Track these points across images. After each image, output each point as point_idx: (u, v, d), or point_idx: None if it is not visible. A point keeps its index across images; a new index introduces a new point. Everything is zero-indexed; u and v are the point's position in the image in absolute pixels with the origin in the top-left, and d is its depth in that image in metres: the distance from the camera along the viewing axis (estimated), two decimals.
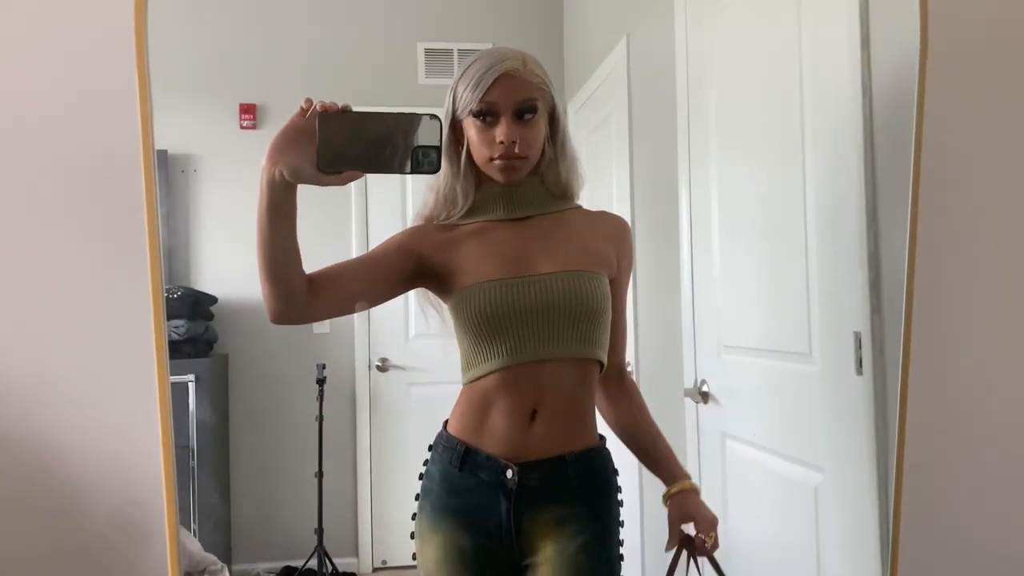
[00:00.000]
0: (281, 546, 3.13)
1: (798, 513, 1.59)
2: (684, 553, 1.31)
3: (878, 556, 1.40)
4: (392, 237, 1.29)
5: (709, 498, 1.99)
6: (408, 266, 1.26)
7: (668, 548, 1.30)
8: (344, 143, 0.99)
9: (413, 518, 1.29)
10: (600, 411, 1.35)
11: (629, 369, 1.42)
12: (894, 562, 1.37)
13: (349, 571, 3.17)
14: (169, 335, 2.99)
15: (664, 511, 1.32)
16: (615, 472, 1.30)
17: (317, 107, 0.99)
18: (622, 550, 1.26)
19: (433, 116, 1.00)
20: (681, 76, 2.08)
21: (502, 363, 1.21)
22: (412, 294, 1.37)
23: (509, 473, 1.20)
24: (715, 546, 1.29)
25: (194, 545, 2.02)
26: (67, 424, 1.23)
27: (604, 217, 1.36)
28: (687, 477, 1.32)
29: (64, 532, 1.23)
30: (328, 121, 0.98)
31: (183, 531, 2.06)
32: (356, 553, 3.26)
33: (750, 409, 1.80)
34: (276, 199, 1.04)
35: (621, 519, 1.28)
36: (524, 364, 1.21)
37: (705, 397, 2.00)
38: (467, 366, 1.26)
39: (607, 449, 1.30)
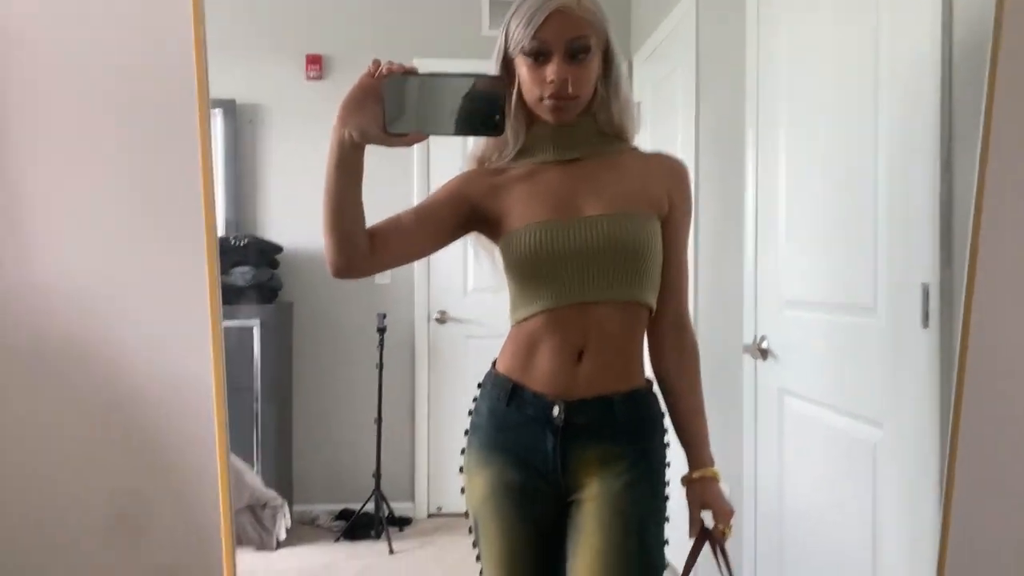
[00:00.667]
0: (340, 489, 3.23)
1: (855, 470, 1.56)
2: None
3: (937, 515, 1.37)
4: (444, 185, 1.30)
5: (765, 455, 1.98)
6: (461, 213, 1.27)
7: (691, 535, 1.30)
8: (409, 105, 1.01)
9: (462, 453, 1.32)
10: (650, 357, 1.34)
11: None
12: (945, 518, 1.34)
13: (405, 515, 3.26)
14: (235, 281, 3.09)
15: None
16: (661, 415, 1.30)
17: (383, 69, 1.00)
18: (668, 490, 1.26)
19: (498, 78, 0.99)
20: (751, 21, 2.02)
21: (547, 305, 1.22)
22: (471, 248, 1.39)
23: (555, 410, 1.21)
24: (728, 536, 1.29)
25: (255, 481, 2.10)
26: (130, 336, 1.28)
27: (658, 158, 1.33)
28: (712, 463, 1.31)
29: (123, 428, 1.29)
30: (393, 84, 1.00)
31: (245, 467, 2.15)
32: (412, 499, 3.34)
33: (810, 365, 1.77)
34: (345, 158, 1.07)
35: (668, 460, 1.27)
36: (569, 306, 1.21)
37: (764, 354, 1.97)
38: (515, 307, 1.27)
39: (654, 393, 1.30)
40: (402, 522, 3.23)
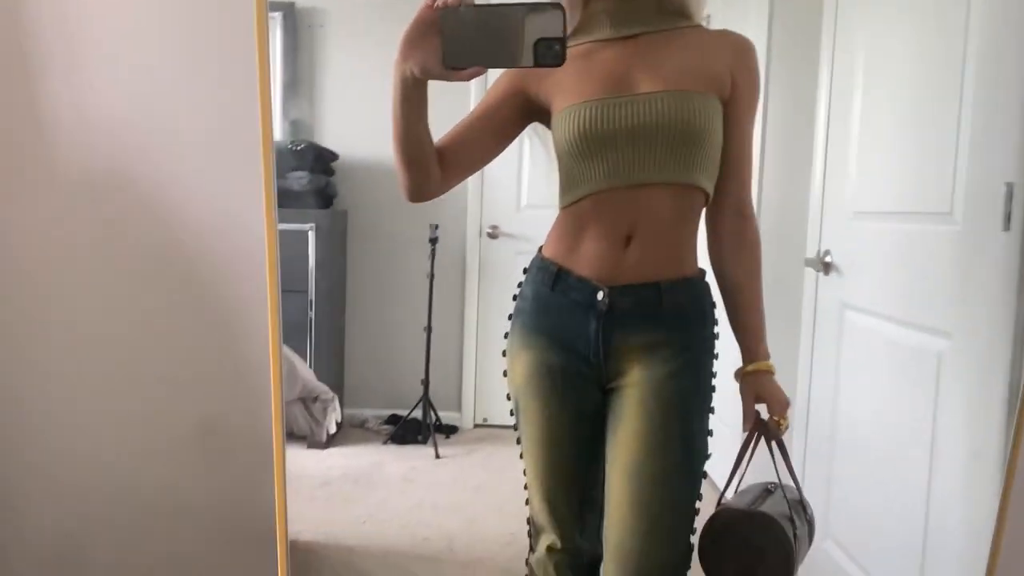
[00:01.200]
0: (389, 395, 3.28)
1: (917, 384, 1.51)
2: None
3: (1002, 433, 1.32)
4: (497, 81, 1.26)
5: (822, 371, 1.94)
6: (518, 105, 1.23)
7: (744, 429, 1.27)
8: (467, 38, 0.97)
9: (505, 336, 1.31)
10: (708, 246, 1.29)
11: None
12: (1017, 436, 1.29)
13: (452, 424, 3.31)
14: (290, 185, 3.10)
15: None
16: (712, 305, 1.26)
17: (439, 2, 0.96)
18: (715, 382, 1.23)
19: (556, 5, 0.94)
20: None
21: (596, 186, 1.18)
22: (526, 163, 1.35)
23: (600, 295, 1.18)
24: (785, 428, 1.26)
25: (308, 374, 2.14)
26: (186, 183, 1.28)
27: (722, 35, 1.26)
28: (767, 357, 1.27)
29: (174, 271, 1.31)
30: (450, 16, 0.96)
31: (298, 360, 2.19)
32: (459, 408, 3.39)
33: (875, 278, 1.70)
34: (408, 94, 1.06)
35: (716, 352, 1.24)
36: (619, 188, 1.17)
37: (827, 267, 1.90)
38: (563, 191, 1.23)
39: (706, 282, 1.25)
40: (449, 430, 3.28)
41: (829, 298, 1.91)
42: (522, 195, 3.33)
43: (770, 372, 1.25)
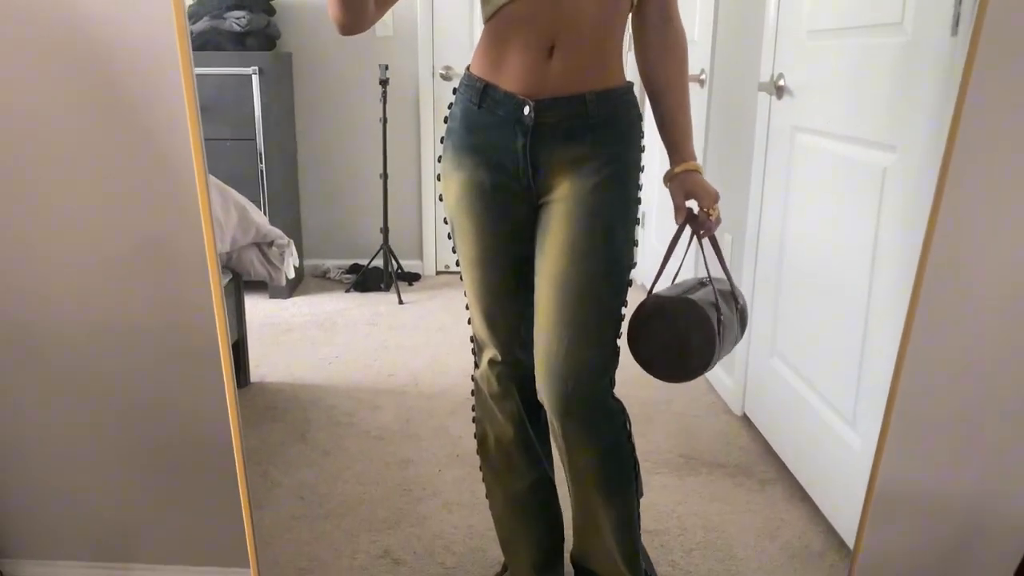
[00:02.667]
0: (349, 245, 3.27)
1: (862, 199, 1.54)
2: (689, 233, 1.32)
3: None
4: None
5: (773, 196, 1.96)
6: None
7: (677, 222, 1.29)
8: None
9: (439, 160, 1.30)
10: (635, 57, 1.27)
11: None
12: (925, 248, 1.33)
13: (414, 272, 3.33)
14: (229, 26, 2.94)
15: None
16: (639, 117, 1.25)
17: None
18: (640, 194, 1.24)
19: None
20: None
21: None
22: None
23: (526, 109, 1.17)
24: (717, 221, 1.27)
25: (261, 219, 2.12)
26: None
27: None
28: (694, 157, 1.27)
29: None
30: None
31: (250, 205, 2.16)
32: (420, 256, 3.40)
33: (826, 97, 1.70)
34: None
35: (642, 165, 1.24)
36: None
37: (780, 91, 1.89)
38: (484, 2, 1.18)
39: (633, 93, 1.24)
40: (411, 277, 3.30)
41: (781, 122, 1.90)
42: (474, 33, 3.19)
43: (698, 171, 1.26)
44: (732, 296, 1.36)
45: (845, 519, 1.63)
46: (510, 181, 1.22)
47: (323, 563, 1.59)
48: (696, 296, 1.29)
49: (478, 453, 1.50)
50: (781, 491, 1.83)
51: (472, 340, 1.44)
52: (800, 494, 1.81)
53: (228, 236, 2.02)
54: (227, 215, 2.05)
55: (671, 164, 1.27)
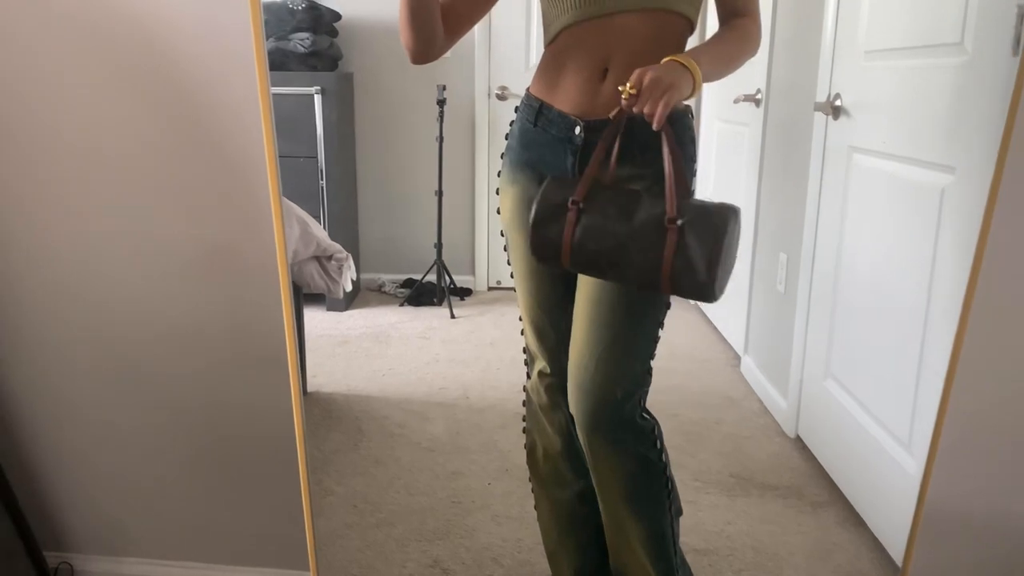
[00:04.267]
0: (404, 259, 3.35)
1: (919, 220, 1.53)
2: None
3: None
4: None
5: (828, 216, 1.95)
6: None
7: (611, 115, 1.11)
8: None
9: (499, 175, 1.34)
10: None
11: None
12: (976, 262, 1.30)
13: (466, 287, 3.38)
14: (293, 48, 3.04)
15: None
16: (692, 140, 1.25)
17: None
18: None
19: None
20: None
21: (570, 18, 1.17)
22: (535, 22, 1.34)
23: (576, 129, 1.19)
24: (645, 103, 1.04)
25: (321, 233, 2.18)
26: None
27: None
28: (687, 58, 1.10)
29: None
30: None
31: (311, 220, 2.22)
32: (473, 271, 3.45)
33: (883, 118, 1.68)
34: None
35: (693, 188, 1.25)
36: (593, 18, 1.15)
37: (836, 112, 1.88)
38: (545, 27, 1.23)
39: (689, 117, 1.25)
40: (463, 292, 3.36)
41: (837, 142, 1.89)
42: (531, 55, 3.26)
43: (679, 60, 1.09)
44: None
45: (899, 544, 1.60)
46: None
47: (375, 570, 1.62)
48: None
49: (527, 463, 1.52)
50: (834, 514, 1.80)
51: (524, 351, 1.46)
52: (853, 518, 1.78)
53: (290, 249, 2.08)
54: (289, 229, 2.12)
55: None
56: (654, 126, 1.05)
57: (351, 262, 2.27)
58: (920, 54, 1.54)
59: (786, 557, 1.67)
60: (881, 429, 1.68)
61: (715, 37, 1.21)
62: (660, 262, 1.08)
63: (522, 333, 1.42)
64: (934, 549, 1.47)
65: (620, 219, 1.11)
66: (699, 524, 1.76)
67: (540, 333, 1.37)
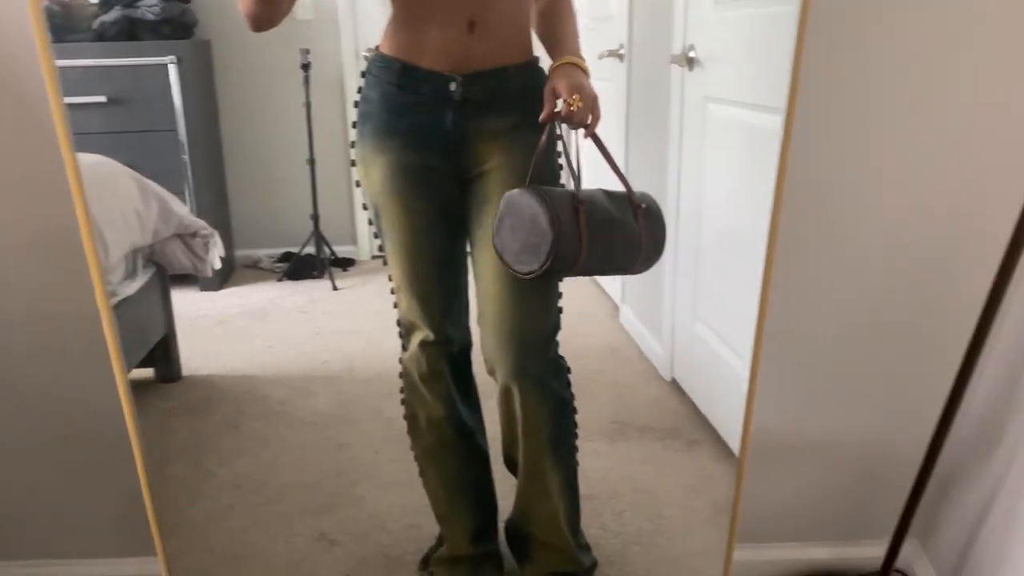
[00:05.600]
0: (280, 233, 3.23)
1: (763, 161, 1.59)
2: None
3: None
4: None
5: (689, 165, 2.01)
6: None
7: (542, 119, 1.20)
8: None
9: (352, 146, 1.30)
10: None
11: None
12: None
13: (348, 256, 3.31)
14: (143, 14, 2.87)
15: None
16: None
17: None
18: (560, 161, 1.27)
19: None
20: None
21: None
22: None
23: (453, 85, 1.19)
24: (592, 114, 1.19)
25: (182, 209, 2.09)
26: None
27: None
28: (579, 56, 1.23)
29: None
30: None
31: (171, 196, 2.12)
32: (355, 241, 3.38)
33: (730, 66, 1.74)
34: None
35: (559, 132, 1.27)
36: None
37: (691, 63, 1.93)
38: None
39: (540, 67, 1.27)
40: (345, 263, 3.28)
41: (693, 93, 1.95)
42: None
43: (579, 66, 1.21)
44: (627, 199, 1.29)
45: None
46: (439, 160, 1.23)
47: (259, 549, 1.59)
48: (552, 191, 1.20)
49: (409, 434, 1.52)
50: (708, 450, 1.89)
51: (399, 324, 1.45)
52: (725, 452, 1.87)
53: (149, 229, 1.99)
54: (147, 207, 2.02)
55: (553, 60, 1.23)
56: (586, 135, 1.20)
57: (217, 238, 2.19)
58: (760, 3, 1.59)
59: (664, 495, 1.75)
60: (746, 368, 1.76)
61: (560, 24, 1.23)
62: (639, 240, 1.13)
63: (395, 306, 1.41)
64: (765, 473, 1.57)
65: (607, 203, 1.23)
66: (582, 472, 1.81)
67: (423, 301, 1.35)
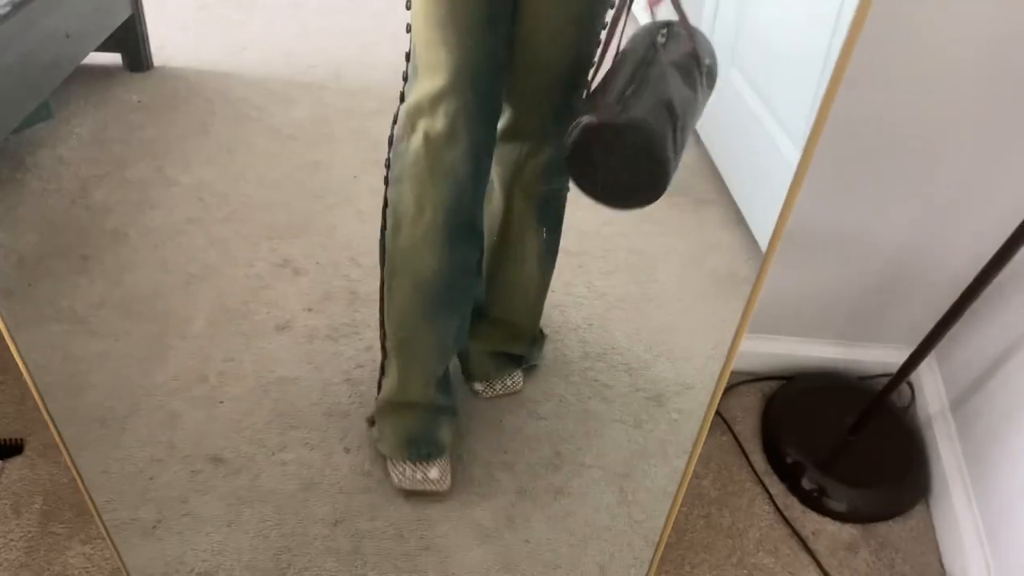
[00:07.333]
0: None
1: None
2: None
3: None
4: None
5: None
6: None
7: None
8: None
9: None
10: None
11: None
12: None
13: None
14: None
15: None
16: None
17: None
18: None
19: None
20: None
21: None
22: None
23: None
24: None
25: None
26: None
27: None
28: None
29: None
30: None
31: None
32: None
33: None
34: None
35: None
36: None
37: None
38: None
39: None
40: None
41: None
42: None
43: None
44: (695, 58, 1.06)
45: None
46: None
47: (216, 270, 1.49)
48: (645, 102, 1.00)
49: (386, 228, 1.22)
50: (717, 213, 1.71)
51: (407, 59, 1.11)
52: (735, 217, 1.70)
53: None
54: None
55: None
56: None
57: None
58: None
59: (660, 259, 1.61)
60: (779, 129, 1.53)
61: None
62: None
63: (408, 30, 1.07)
64: (795, 261, 1.42)
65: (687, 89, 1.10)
66: (571, 226, 1.65)
67: (451, 44, 1.03)
